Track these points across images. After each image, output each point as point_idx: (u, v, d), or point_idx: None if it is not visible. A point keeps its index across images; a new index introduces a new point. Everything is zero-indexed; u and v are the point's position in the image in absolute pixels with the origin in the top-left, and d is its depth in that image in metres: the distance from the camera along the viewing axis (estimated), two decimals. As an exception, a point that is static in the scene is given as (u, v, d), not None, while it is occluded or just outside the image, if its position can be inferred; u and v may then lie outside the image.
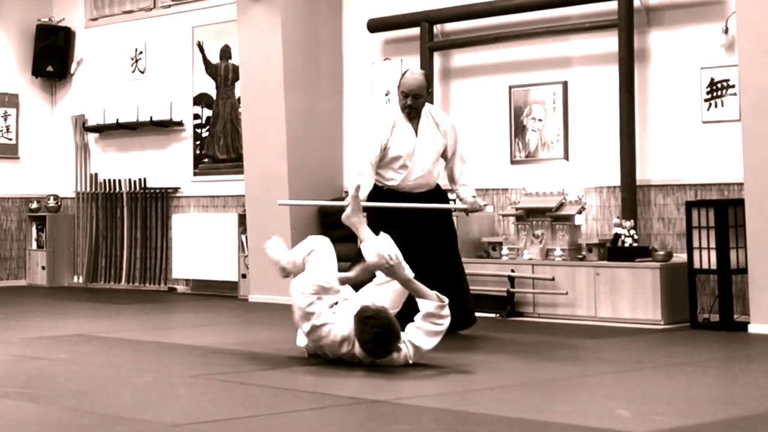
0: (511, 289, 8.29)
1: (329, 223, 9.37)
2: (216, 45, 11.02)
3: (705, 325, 7.50)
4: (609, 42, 8.43)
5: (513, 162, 9.05)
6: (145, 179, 11.54)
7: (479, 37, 9.18)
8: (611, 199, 8.48)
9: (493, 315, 8.25)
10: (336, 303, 5.63)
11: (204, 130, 11.13)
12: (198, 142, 11.17)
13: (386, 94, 9.79)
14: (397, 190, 6.88)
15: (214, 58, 11.04)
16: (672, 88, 8.22)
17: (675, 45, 8.22)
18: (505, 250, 8.52)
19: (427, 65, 9.15)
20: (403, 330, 5.57)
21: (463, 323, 6.89)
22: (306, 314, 5.61)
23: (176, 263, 11.07)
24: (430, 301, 5.61)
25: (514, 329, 7.57)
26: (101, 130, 11.97)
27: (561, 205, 8.35)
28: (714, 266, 7.46)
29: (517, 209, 8.58)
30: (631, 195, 8.20)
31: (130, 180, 11.67)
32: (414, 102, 6.83)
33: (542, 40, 8.84)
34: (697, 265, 7.54)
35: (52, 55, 12.24)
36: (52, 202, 12.13)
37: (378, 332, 5.40)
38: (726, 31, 7.87)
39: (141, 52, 11.71)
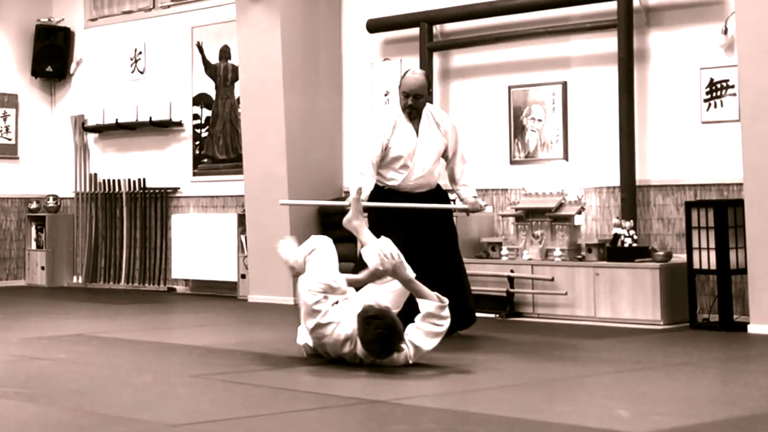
0: (511, 290, 8.29)
1: (329, 223, 9.37)
2: (215, 45, 11.02)
3: (704, 325, 7.50)
4: (608, 42, 8.43)
5: (512, 162, 9.05)
6: (144, 179, 11.54)
7: (479, 37, 9.18)
8: (611, 200, 8.48)
9: (492, 315, 8.25)
10: (336, 302, 5.63)
11: (203, 130, 11.13)
12: (197, 143, 11.17)
13: (386, 95, 9.80)
14: (398, 190, 6.88)
15: (214, 59, 11.04)
16: (671, 88, 8.23)
17: (674, 45, 8.23)
18: (504, 251, 8.53)
19: (426, 65, 9.15)
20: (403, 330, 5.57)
21: (463, 323, 6.89)
22: (312, 311, 5.61)
23: (176, 263, 11.07)
24: (431, 302, 5.62)
25: (514, 329, 7.57)
26: (101, 130, 11.97)
27: (560, 206, 8.35)
28: (713, 266, 7.46)
29: (516, 209, 8.58)
30: (631, 195, 8.20)
31: (129, 180, 11.67)
32: (415, 102, 6.83)
33: (541, 41, 8.85)
34: (696, 265, 7.54)
35: (51, 55, 12.24)
36: (51, 203, 12.13)
37: (382, 333, 5.40)
38: (725, 32, 7.88)
39: (140, 53, 11.71)
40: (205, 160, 11.10)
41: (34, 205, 12.17)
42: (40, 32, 12.21)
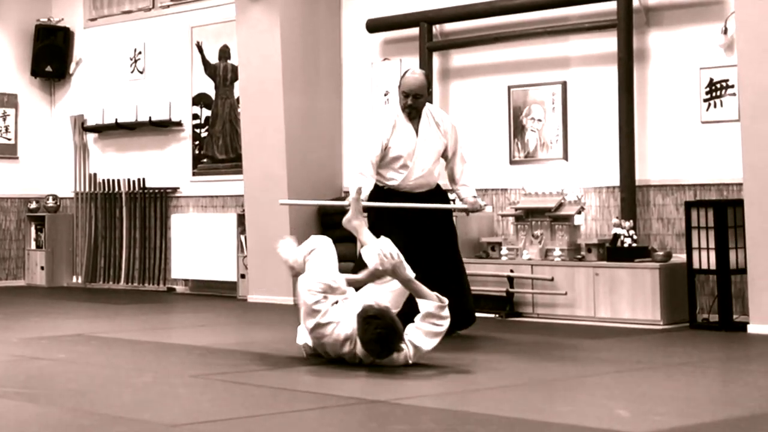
0: (511, 290, 8.29)
1: (329, 223, 9.37)
2: (215, 45, 11.02)
3: (704, 325, 7.50)
4: (608, 42, 8.43)
5: (512, 162, 9.05)
6: (144, 179, 11.54)
7: (478, 37, 9.18)
8: (610, 200, 8.48)
9: (492, 315, 8.25)
10: (336, 302, 5.63)
11: (203, 130, 11.13)
12: (197, 142, 11.17)
13: (385, 94, 9.80)
14: (398, 190, 6.88)
15: (213, 58, 11.04)
16: (671, 88, 8.23)
17: (674, 45, 8.23)
18: (504, 251, 8.52)
19: (426, 65, 9.15)
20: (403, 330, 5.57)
21: (463, 323, 6.89)
22: (312, 311, 5.61)
23: (175, 263, 11.07)
24: (430, 302, 5.62)
25: (514, 329, 7.57)
26: (100, 130, 11.97)
27: (560, 206, 8.35)
28: (713, 266, 7.46)
29: (516, 209, 8.58)
30: (631, 195, 8.20)
31: (129, 180, 11.67)
32: (414, 102, 6.83)
33: (541, 41, 8.85)
34: (696, 265, 7.54)
35: (51, 55, 12.23)
36: (51, 202, 12.13)
37: (381, 332, 5.40)
38: (725, 32, 7.88)
39: (140, 53, 11.71)
40: (205, 160, 11.10)
41: (33, 205, 12.17)
42: (40, 32, 12.21)
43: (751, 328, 7.23)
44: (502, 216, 8.92)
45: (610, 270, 7.89)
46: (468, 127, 8.91)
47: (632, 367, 5.84)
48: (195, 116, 11.19)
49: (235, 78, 10.69)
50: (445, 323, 5.63)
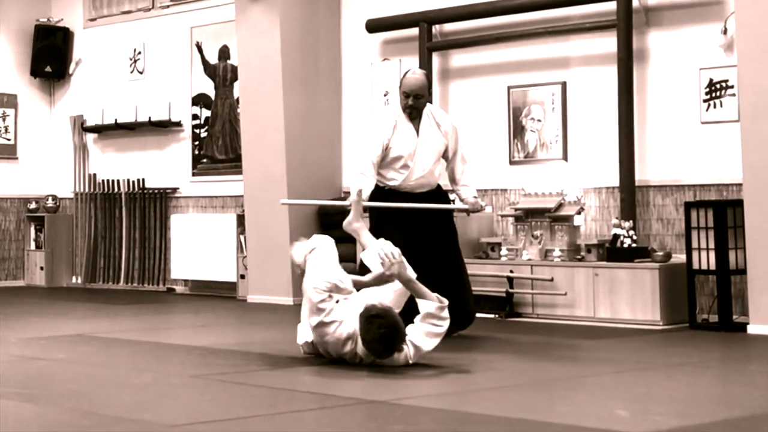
0: (510, 290, 8.29)
1: (329, 223, 9.37)
2: (214, 45, 11.02)
3: (704, 325, 7.50)
4: (608, 42, 8.43)
5: (512, 162, 9.05)
6: (143, 180, 11.53)
7: (478, 37, 9.18)
8: (610, 200, 8.48)
9: (492, 315, 8.25)
10: (338, 301, 5.63)
11: (203, 130, 11.12)
12: (197, 143, 11.17)
13: (385, 95, 9.79)
14: (399, 190, 6.87)
15: (213, 59, 11.04)
16: (671, 88, 8.22)
17: (674, 45, 8.22)
18: (504, 251, 8.52)
19: (425, 65, 9.15)
20: (403, 330, 5.58)
21: (463, 323, 6.89)
22: (317, 309, 5.61)
23: (175, 264, 11.07)
24: (431, 302, 5.62)
25: (513, 330, 7.56)
26: (100, 130, 11.96)
27: (560, 206, 8.35)
28: (713, 267, 7.45)
29: (516, 210, 8.57)
30: (630, 195, 8.20)
31: (128, 180, 11.67)
32: (415, 102, 6.83)
33: (541, 41, 8.85)
34: (696, 265, 7.53)
35: (50, 55, 12.23)
36: (50, 203, 12.13)
37: (384, 332, 5.39)
38: (725, 32, 7.88)
39: (139, 53, 11.71)
40: (205, 160, 11.10)
41: (33, 206, 12.16)
42: (39, 32, 12.21)
43: (751, 329, 7.22)
44: (502, 216, 8.91)
45: (609, 270, 7.88)
46: (468, 127, 8.90)
47: (632, 368, 5.84)
48: (195, 116, 11.19)
49: (234, 78, 10.69)
50: (445, 324, 5.64)
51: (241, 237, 10.23)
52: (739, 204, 7.43)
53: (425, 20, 9.35)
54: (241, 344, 6.75)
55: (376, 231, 6.33)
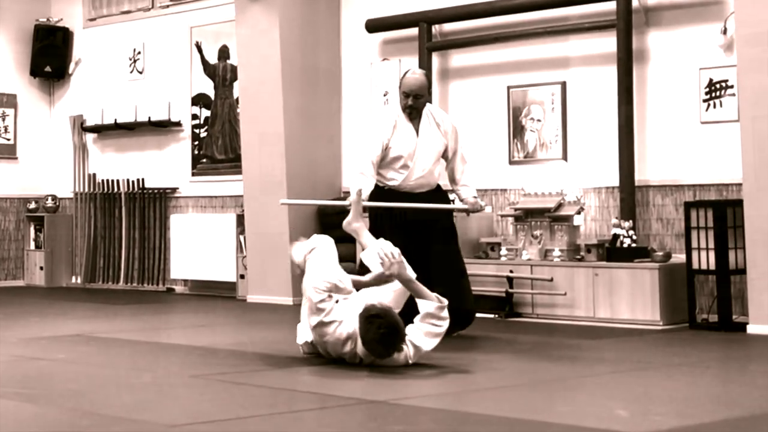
0: (510, 290, 8.29)
1: (328, 223, 9.37)
2: (214, 45, 11.01)
3: (704, 325, 7.50)
4: (607, 42, 8.43)
5: (511, 162, 9.04)
6: (143, 179, 11.53)
7: (477, 37, 9.18)
8: (610, 200, 8.48)
9: (491, 315, 8.24)
10: (337, 301, 5.63)
11: (202, 130, 11.12)
12: (196, 143, 11.17)
13: (385, 95, 9.79)
14: (399, 190, 6.87)
15: (213, 59, 11.04)
16: (670, 88, 8.22)
17: (673, 45, 8.22)
18: (503, 251, 8.52)
19: (425, 65, 9.15)
20: (403, 330, 5.58)
21: (463, 323, 6.89)
22: (316, 309, 5.61)
23: (174, 264, 11.06)
24: (430, 302, 5.62)
25: (513, 330, 7.56)
26: (99, 130, 11.96)
27: (560, 206, 8.35)
28: (713, 267, 7.45)
29: (515, 210, 8.57)
30: (630, 195, 8.20)
31: (128, 180, 11.66)
32: (415, 102, 6.83)
33: (540, 41, 8.84)
34: (695, 265, 7.53)
35: (50, 55, 12.23)
36: (50, 203, 12.13)
37: (384, 332, 5.39)
38: (725, 32, 7.88)
39: (139, 53, 11.71)
40: (204, 160, 11.10)
41: (32, 206, 12.16)
42: (39, 32, 12.21)
43: (751, 329, 7.22)
44: (502, 216, 8.91)
45: (609, 270, 7.88)
46: (467, 127, 8.90)
47: (632, 368, 5.84)
48: (194, 116, 11.19)
49: (234, 78, 10.69)
50: (445, 324, 5.63)
51: (241, 237, 10.23)
52: (738, 204, 7.43)
53: (425, 20, 9.35)
54: (240, 344, 6.75)
55: (376, 231, 6.32)
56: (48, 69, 12.23)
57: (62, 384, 5.28)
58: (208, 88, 11.07)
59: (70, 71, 12.34)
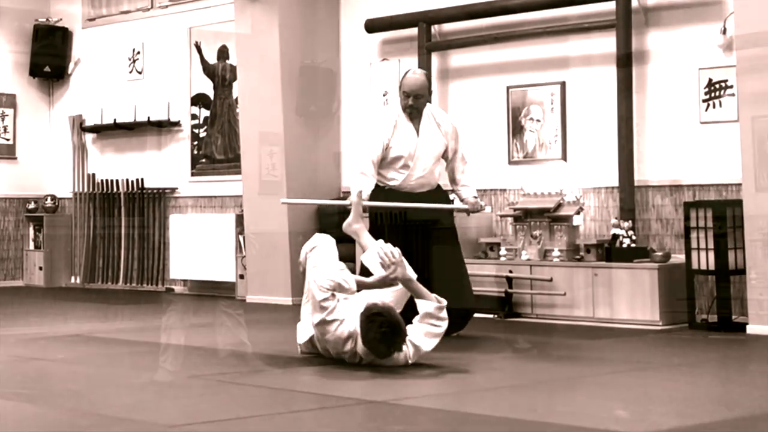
0: (509, 290, 8.28)
1: (328, 223, 9.37)
2: (213, 45, 11.01)
3: (703, 325, 7.50)
4: (607, 42, 8.43)
5: (511, 162, 9.04)
6: (142, 179, 11.53)
7: (477, 37, 9.18)
8: (609, 200, 8.48)
9: (491, 315, 8.24)
10: (338, 300, 5.63)
11: (201, 130, 11.12)
12: (195, 143, 11.17)
13: (384, 95, 9.79)
14: (399, 190, 6.87)
15: (212, 59, 11.04)
16: (670, 88, 8.22)
17: (673, 45, 8.22)
18: (503, 251, 8.52)
19: (425, 65, 9.15)
20: (403, 330, 5.58)
21: (462, 322, 6.88)
22: (320, 307, 5.60)
23: (174, 264, 11.06)
24: (429, 303, 5.62)
25: (512, 330, 7.56)
26: (99, 130, 11.96)
27: (559, 206, 8.34)
28: (712, 267, 7.45)
29: (515, 210, 8.57)
30: (629, 196, 8.20)
31: (127, 180, 11.66)
32: (415, 102, 6.83)
33: (540, 41, 8.84)
34: (695, 265, 7.53)
35: (49, 55, 12.22)
36: (49, 203, 12.12)
37: (386, 331, 5.39)
38: (724, 32, 7.87)
39: (138, 53, 11.71)
40: (203, 160, 11.09)
41: (32, 206, 12.16)
42: (38, 32, 12.20)
43: (750, 329, 7.22)
44: (501, 216, 8.91)
45: (608, 270, 7.88)
46: (467, 127, 8.88)
47: (631, 368, 5.84)
48: (194, 116, 11.19)
49: (233, 78, 10.69)
50: (444, 324, 5.63)
51: (240, 237, 10.23)
52: (738, 204, 7.43)
53: (424, 20, 9.35)
54: (239, 345, 6.75)
55: (376, 232, 6.32)
56: (47, 69, 12.23)
57: (62, 384, 5.28)
58: (207, 88, 11.06)
59: (69, 71, 12.34)
